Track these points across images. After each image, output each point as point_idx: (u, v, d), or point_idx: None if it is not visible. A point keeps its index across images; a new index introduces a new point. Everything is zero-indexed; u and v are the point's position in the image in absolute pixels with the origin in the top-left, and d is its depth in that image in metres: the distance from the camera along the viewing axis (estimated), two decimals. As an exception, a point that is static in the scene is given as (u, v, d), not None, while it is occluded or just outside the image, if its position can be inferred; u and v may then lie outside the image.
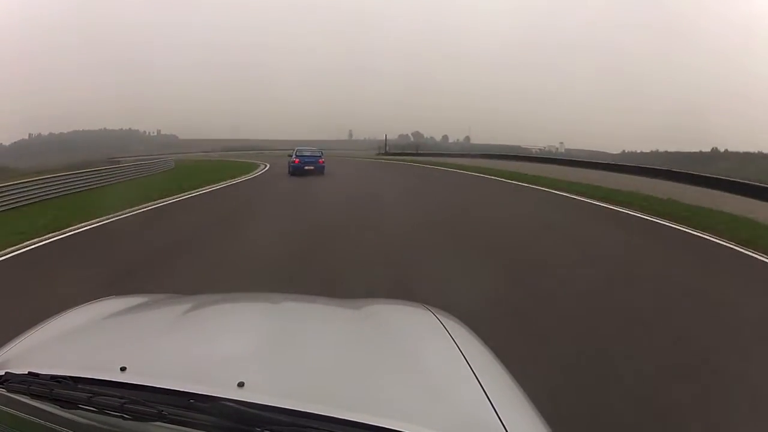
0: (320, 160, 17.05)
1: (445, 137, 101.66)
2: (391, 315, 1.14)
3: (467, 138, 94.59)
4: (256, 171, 19.98)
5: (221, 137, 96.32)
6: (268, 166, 23.30)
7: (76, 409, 0.68)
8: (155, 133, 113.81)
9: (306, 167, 16.66)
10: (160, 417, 0.63)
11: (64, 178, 12.38)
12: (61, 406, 0.69)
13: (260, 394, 0.67)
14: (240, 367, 0.77)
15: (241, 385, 0.69)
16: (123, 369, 0.74)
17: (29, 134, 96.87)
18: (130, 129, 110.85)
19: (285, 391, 0.69)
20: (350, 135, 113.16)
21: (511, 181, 14.16)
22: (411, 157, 36.56)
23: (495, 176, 15.70)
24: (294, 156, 17.32)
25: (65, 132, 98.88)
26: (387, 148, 47.83)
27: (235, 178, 15.92)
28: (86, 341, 0.97)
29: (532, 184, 12.84)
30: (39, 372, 0.74)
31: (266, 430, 0.61)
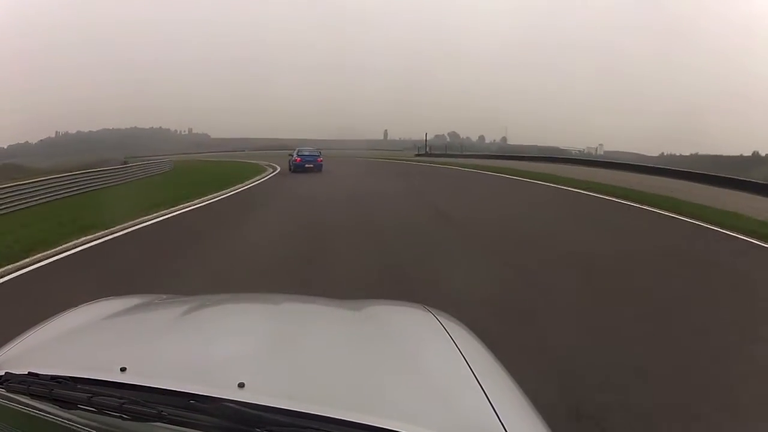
0: (318, 159, 19.28)
1: (482, 137, 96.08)
2: (391, 316, 1.16)
3: (504, 138, 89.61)
4: (257, 178, 16.77)
5: (253, 136, 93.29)
6: (278, 169, 21.06)
7: (75, 410, 0.68)
8: (186, 132, 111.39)
9: (306, 165, 18.73)
10: (160, 417, 0.64)
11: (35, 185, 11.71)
12: (60, 407, 0.69)
13: (260, 394, 0.67)
14: (240, 367, 0.78)
15: (241, 385, 0.70)
16: (123, 369, 0.75)
17: (56, 132, 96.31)
18: (160, 128, 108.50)
19: (285, 391, 0.70)
20: (385, 135, 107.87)
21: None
22: (451, 158, 31.80)
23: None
24: (295, 155, 19.29)
25: (94, 130, 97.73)
26: (428, 148, 42.55)
27: (227, 187, 12.66)
28: (86, 341, 0.97)
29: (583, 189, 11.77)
30: (39, 372, 0.75)
31: (266, 430, 0.62)
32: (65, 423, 0.67)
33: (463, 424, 0.68)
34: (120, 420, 0.65)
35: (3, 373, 0.78)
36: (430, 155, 37.65)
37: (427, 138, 47.48)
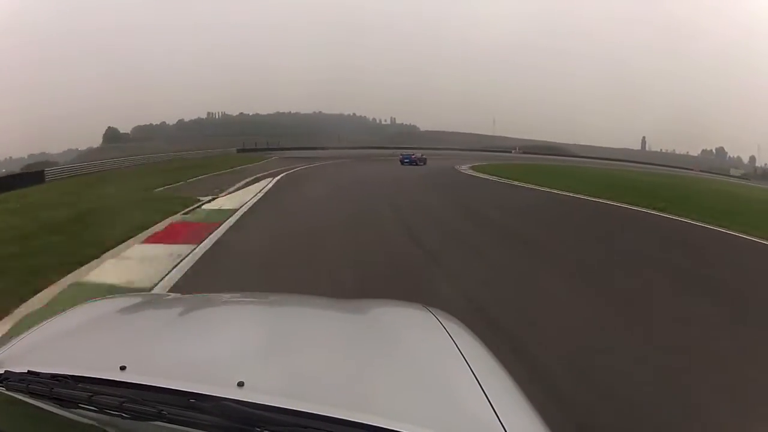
0: (412, 155, 29.10)
1: (753, 158, 75.73)
2: (391, 315, 1.16)
3: (752, 158, 73.23)
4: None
5: (473, 131, 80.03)
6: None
7: (75, 408, 0.68)
8: (388, 122, 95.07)
9: (405, 161, 28.48)
10: (160, 416, 0.64)
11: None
12: (60, 405, 0.69)
13: (260, 393, 0.67)
14: (240, 366, 0.78)
15: (240, 384, 0.70)
16: (123, 368, 0.75)
17: (207, 113, 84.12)
18: (354, 114, 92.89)
19: (285, 390, 0.70)
20: (643, 144, 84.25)
21: None
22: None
23: None
24: (401, 156, 30.08)
25: (278, 112, 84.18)
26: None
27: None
28: (86, 340, 0.97)
29: None
30: (39, 371, 0.74)
31: (266, 429, 0.61)
32: (65, 422, 0.67)
33: (462, 424, 0.68)
34: (120, 419, 0.65)
35: (3, 372, 0.78)
36: None
37: (690, 154, 34.71)
